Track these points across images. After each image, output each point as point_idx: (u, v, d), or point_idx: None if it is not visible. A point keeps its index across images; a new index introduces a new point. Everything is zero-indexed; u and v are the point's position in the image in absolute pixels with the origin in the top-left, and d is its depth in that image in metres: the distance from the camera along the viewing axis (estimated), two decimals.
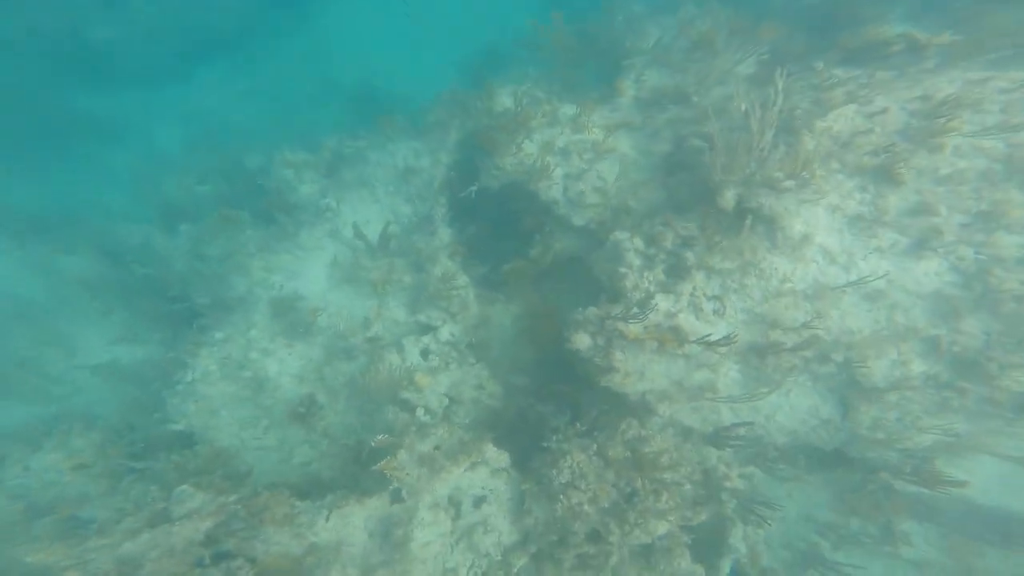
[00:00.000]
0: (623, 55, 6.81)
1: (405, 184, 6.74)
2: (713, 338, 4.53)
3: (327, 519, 4.39)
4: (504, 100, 6.68)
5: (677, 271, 5.15)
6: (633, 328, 4.78)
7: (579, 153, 6.10)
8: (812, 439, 4.97)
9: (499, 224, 6.50)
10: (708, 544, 4.96)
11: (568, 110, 6.45)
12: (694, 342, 4.70)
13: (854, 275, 4.68)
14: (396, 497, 4.52)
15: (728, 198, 4.97)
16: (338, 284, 6.44)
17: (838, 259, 4.75)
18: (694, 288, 5.00)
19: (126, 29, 10.72)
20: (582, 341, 4.97)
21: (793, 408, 4.94)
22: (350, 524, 4.28)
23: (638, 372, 4.95)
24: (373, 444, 4.76)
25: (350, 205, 6.79)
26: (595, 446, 4.81)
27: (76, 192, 9.25)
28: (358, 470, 5.35)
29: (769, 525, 4.88)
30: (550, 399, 5.53)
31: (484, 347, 6.13)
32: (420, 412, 5.49)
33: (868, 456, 4.84)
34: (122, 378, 6.97)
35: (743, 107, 4.82)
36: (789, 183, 4.76)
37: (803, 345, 4.68)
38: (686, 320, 4.91)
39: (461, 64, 11.07)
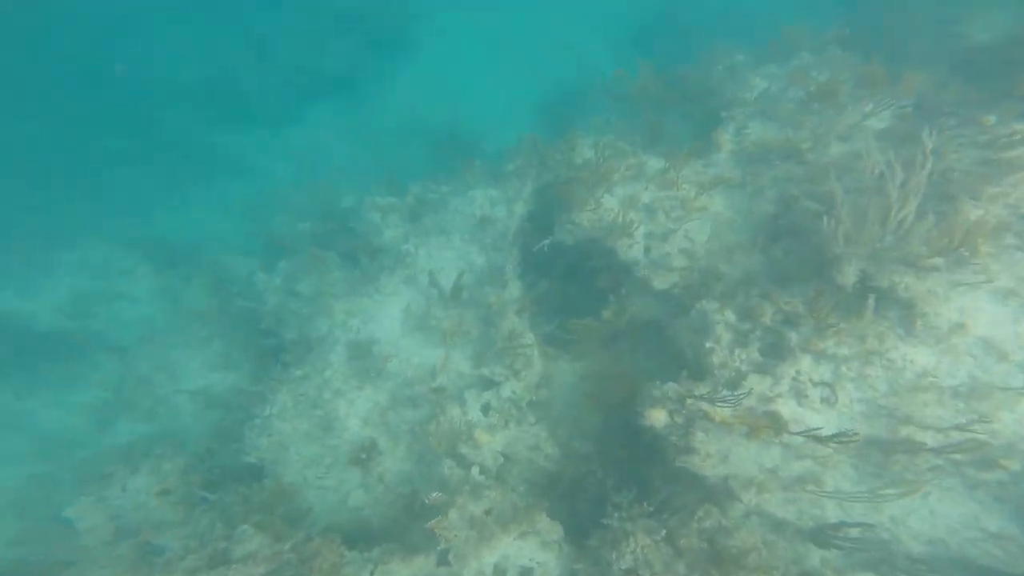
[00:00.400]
0: (722, 106, 6.27)
1: (480, 232, 6.69)
2: (823, 432, 3.79)
3: (371, 575, 4.33)
4: (584, 151, 6.42)
5: (777, 351, 4.49)
6: (721, 411, 4.18)
7: (666, 211, 5.63)
8: (972, 554, 3.90)
9: (572, 281, 6.19)
10: None
11: (655, 164, 6.03)
12: (796, 433, 3.98)
13: None
14: (443, 559, 4.36)
15: (848, 273, 4.25)
16: (410, 331, 6.49)
17: (1011, 357, 3.77)
18: (797, 372, 4.30)
19: (269, 77, 12.47)
20: (658, 418, 4.47)
21: (935, 514, 3.95)
22: None
23: (721, 455, 4.31)
24: (427, 501, 4.66)
25: (427, 251, 6.87)
26: (664, 531, 4.24)
27: (204, 223, 10.54)
28: (408, 522, 5.31)
29: None
30: (613, 470, 5.05)
31: (545, 407, 5.83)
32: (475, 471, 5.31)
33: None
34: (212, 404, 7.54)
35: (876, 168, 4.08)
36: (937, 260, 3.92)
37: (954, 447, 3.74)
38: (786, 406, 4.22)
39: (542, 105, 11.10)
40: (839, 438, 3.65)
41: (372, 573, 4.31)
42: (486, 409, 5.78)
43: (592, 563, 4.27)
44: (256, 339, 7.49)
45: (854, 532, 3.91)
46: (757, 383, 4.29)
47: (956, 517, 3.89)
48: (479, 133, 10.92)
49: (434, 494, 4.66)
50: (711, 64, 7.16)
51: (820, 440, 3.75)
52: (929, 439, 3.78)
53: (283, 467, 5.87)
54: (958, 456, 3.72)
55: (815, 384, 4.23)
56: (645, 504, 4.44)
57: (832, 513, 4.11)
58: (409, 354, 6.35)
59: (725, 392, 4.17)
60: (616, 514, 4.45)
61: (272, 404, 6.25)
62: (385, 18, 13.27)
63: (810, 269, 4.68)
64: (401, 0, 13.53)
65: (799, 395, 4.19)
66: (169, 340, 8.01)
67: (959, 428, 3.69)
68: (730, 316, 4.81)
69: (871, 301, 4.04)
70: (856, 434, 3.67)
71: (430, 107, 11.67)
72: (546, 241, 5.95)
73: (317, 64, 12.67)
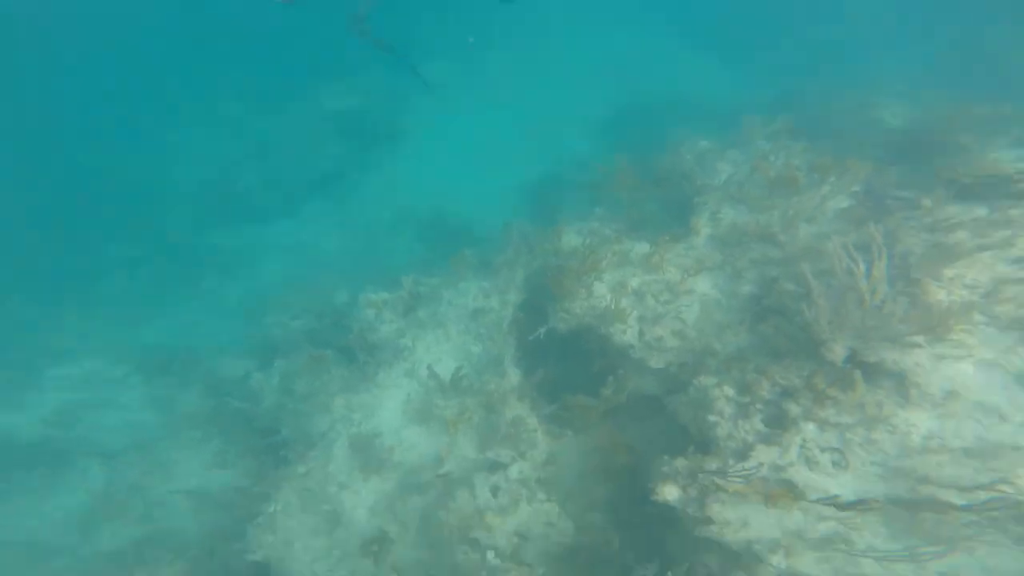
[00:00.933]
0: (694, 191, 6.80)
1: (475, 323, 6.88)
2: (842, 499, 3.80)
3: None
4: (571, 237, 6.82)
5: (779, 421, 4.61)
6: (734, 484, 4.19)
7: (654, 295, 5.93)
8: None
9: (569, 365, 6.34)
10: None
11: (639, 249, 6.41)
12: (816, 501, 3.98)
13: None
14: None
15: (837, 352, 4.49)
16: (412, 421, 6.50)
17: (1011, 418, 3.97)
18: (803, 440, 4.39)
19: (266, 176, 13.09)
20: (671, 493, 4.51)
21: (988, 570, 3.87)
22: None
23: (741, 521, 4.26)
24: None
25: (424, 343, 7.00)
26: None
27: (196, 326, 10.54)
28: None
29: None
30: (629, 538, 5.08)
31: (554, 483, 5.84)
32: (491, 555, 5.19)
33: None
34: (210, 503, 7.34)
35: (843, 263, 4.45)
36: (918, 339, 4.18)
37: (985, 505, 3.76)
38: (798, 473, 4.27)
39: (526, 191, 11.76)
40: (860, 506, 3.68)
41: None
42: (495, 490, 5.74)
43: None
44: (254, 438, 7.36)
45: None
46: (765, 453, 4.35)
47: (1011, 572, 3.85)
48: (468, 220, 11.41)
49: None
50: (679, 151, 7.83)
51: (840, 507, 3.77)
52: (954, 497, 3.82)
53: (290, 563, 5.76)
54: (994, 513, 3.75)
55: (823, 450, 4.31)
56: (669, 575, 4.35)
57: (872, 571, 4.02)
58: (412, 443, 6.34)
59: (736, 465, 4.21)
60: None
61: (276, 501, 6.13)
62: (375, 114, 14.29)
63: (799, 346, 4.93)
64: (391, 100, 14.59)
65: (809, 462, 4.29)
66: (162, 444, 7.81)
67: (983, 488, 3.75)
68: (729, 391, 4.97)
69: (858, 374, 4.24)
70: (877, 501, 3.71)
71: (419, 197, 12.25)
72: (541, 330, 6.14)
73: (312, 162, 13.38)
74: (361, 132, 13.69)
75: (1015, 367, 4.10)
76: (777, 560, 4.01)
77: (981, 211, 5.03)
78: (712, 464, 4.37)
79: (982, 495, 3.76)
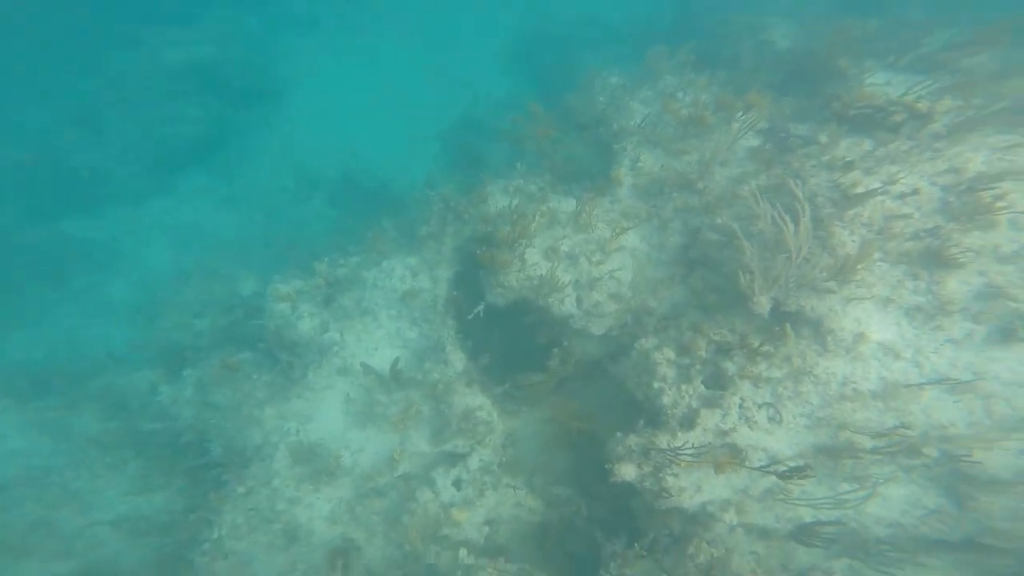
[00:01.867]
0: (611, 137, 6.54)
1: (407, 307, 6.44)
2: (781, 467, 4.15)
3: None
4: (497, 200, 6.40)
5: (718, 382, 4.82)
6: (685, 460, 4.43)
7: (587, 256, 5.78)
8: (924, 530, 4.48)
9: (513, 342, 6.19)
10: None
11: (566, 206, 6.16)
12: (757, 469, 4.33)
13: (928, 370, 4.27)
14: None
15: (763, 303, 4.64)
16: (356, 422, 6.14)
17: (903, 354, 4.35)
18: (741, 400, 4.65)
19: (104, 150, 10.69)
20: (628, 472, 4.65)
21: (887, 499, 4.44)
22: None
23: (695, 486, 4.57)
24: None
25: (354, 334, 6.49)
26: (664, 575, 4.44)
27: (73, 332, 9.02)
28: None
29: None
30: (597, 506, 5.28)
31: (516, 464, 5.86)
32: (463, 553, 5.21)
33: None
34: (142, 531, 6.71)
35: (768, 218, 4.49)
36: (831, 283, 4.41)
37: (886, 446, 4.26)
38: (741, 435, 4.54)
39: (439, 138, 10.84)
40: (797, 474, 4.01)
41: None
42: (458, 483, 5.69)
43: None
44: (179, 457, 6.67)
45: (830, 529, 4.36)
46: (709, 418, 4.58)
47: (902, 498, 4.48)
48: (382, 177, 10.42)
49: None
50: (592, 88, 7.45)
51: (782, 477, 4.10)
52: (866, 442, 4.26)
53: None
54: (892, 450, 4.26)
55: (759, 406, 4.59)
56: (637, 547, 4.62)
57: (805, 515, 4.47)
58: (361, 445, 6.02)
59: (685, 440, 4.41)
60: (612, 564, 4.61)
61: (219, 526, 5.68)
62: (242, 66, 12.00)
63: (727, 299, 5.08)
64: (258, 46, 12.31)
65: (749, 421, 4.54)
66: (63, 475, 6.85)
67: (887, 432, 4.20)
68: (669, 353, 5.08)
69: (789, 328, 4.46)
70: (811, 468, 4.06)
71: (319, 155, 10.86)
72: (479, 308, 5.87)
73: (169, 129, 11.17)
74: (226, 88, 11.58)
75: (905, 301, 4.44)
76: (729, 517, 4.38)
77: (867, 145, 5.24)
78: (663, 439, 4.50)
79: (885, 437, 4.20)
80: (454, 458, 5.77)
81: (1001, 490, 4.10)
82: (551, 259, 5.81)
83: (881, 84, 5.66)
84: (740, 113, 6.08)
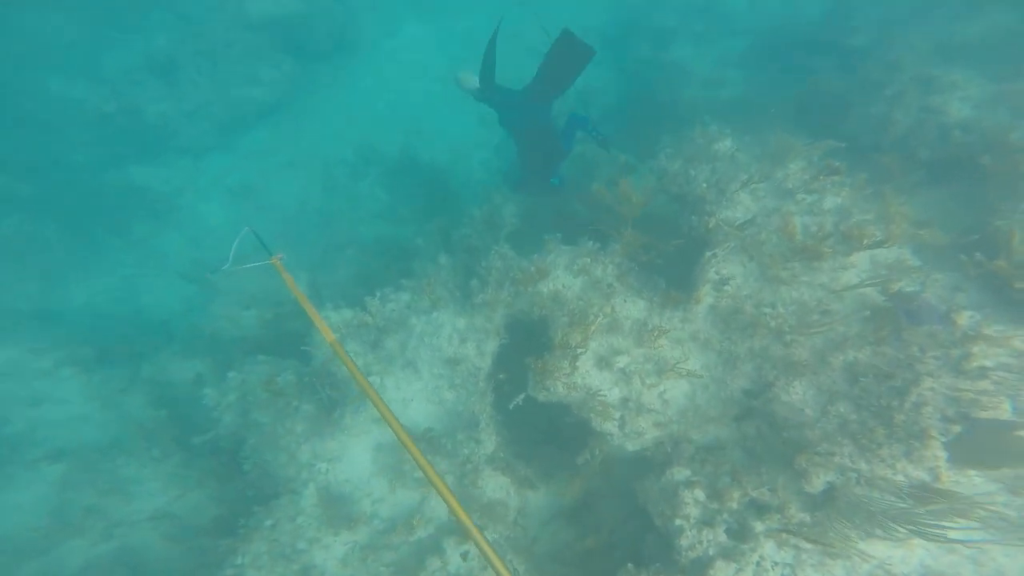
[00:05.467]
0: (705, 231, 5.86)
1: (449, 369, 6.38)
2: None
3: None
4: (559, 276, 6.09)
5: (741, 535, 4.72)
6: None
7: (641, 376, 5.52)
8: None
9: (545, 436, 6.14)
10: None
11: (634, 310, 5.80)
12: None
13: None
14: None
15: (816, 483, 4.43)
16: (382, 471, 6.33)
17: None
18: (761, 557, 4.54)
19: (175, 104, 10.49)
20: None
21: None
22: None
23: None
24: None
25: (393, 379, 6.54)
26: None
27: (132, 283, 9.35)
28: None
29: None
30: None
31: (524, 542, 6.01)
32: None
33: None
34: (175, 529, 7.15)
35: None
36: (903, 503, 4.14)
37: None
38: None
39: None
40: None
41: None
42: (465, 556, 5.92)
43: None
44: (215, 463, 7.10)
45: None
46: (723, 570, 4.48)
47: None
48: (443, 166, 9.93)
49: None
50: (693, 155, 6.67)
51: None
52: None
53: None
54: None
55: (775, 565, 4.44)
56: None
57: None
58: (382, 495, 6.25)
59: None
60: None
61: (244, 553, 6.10)
62: (326, 20, 11.24)
63: (779, 455, 4.84)
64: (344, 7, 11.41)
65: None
66: (117, 461, 7.42)
67: None
68: (699, 495, 4.95)
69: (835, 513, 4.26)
70: None
71: (383, 128, 10.37)
72: (519, 398, 5.78)
73: (245, 91, 10.78)
74: (304, 45, 10.94)
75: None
76: None
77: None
78: None
79: None
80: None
81: None
82: (603, 369, 5.59)
83: None
84: (866, 241, 5.14)
